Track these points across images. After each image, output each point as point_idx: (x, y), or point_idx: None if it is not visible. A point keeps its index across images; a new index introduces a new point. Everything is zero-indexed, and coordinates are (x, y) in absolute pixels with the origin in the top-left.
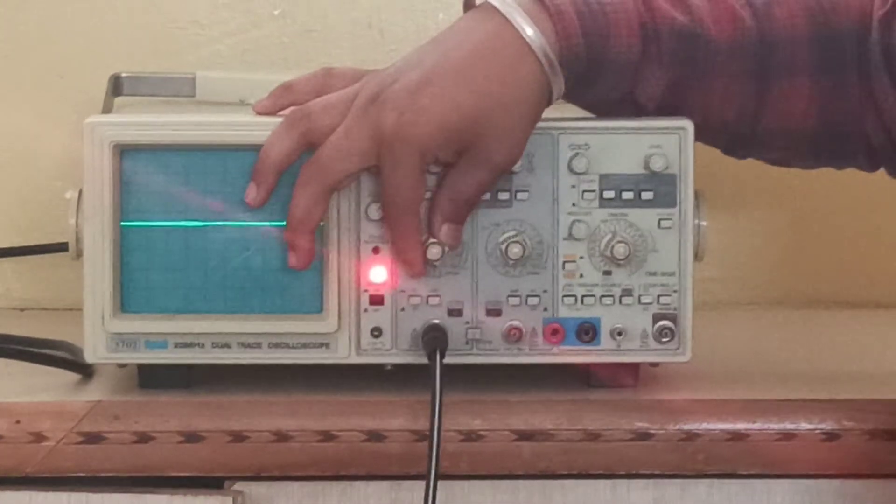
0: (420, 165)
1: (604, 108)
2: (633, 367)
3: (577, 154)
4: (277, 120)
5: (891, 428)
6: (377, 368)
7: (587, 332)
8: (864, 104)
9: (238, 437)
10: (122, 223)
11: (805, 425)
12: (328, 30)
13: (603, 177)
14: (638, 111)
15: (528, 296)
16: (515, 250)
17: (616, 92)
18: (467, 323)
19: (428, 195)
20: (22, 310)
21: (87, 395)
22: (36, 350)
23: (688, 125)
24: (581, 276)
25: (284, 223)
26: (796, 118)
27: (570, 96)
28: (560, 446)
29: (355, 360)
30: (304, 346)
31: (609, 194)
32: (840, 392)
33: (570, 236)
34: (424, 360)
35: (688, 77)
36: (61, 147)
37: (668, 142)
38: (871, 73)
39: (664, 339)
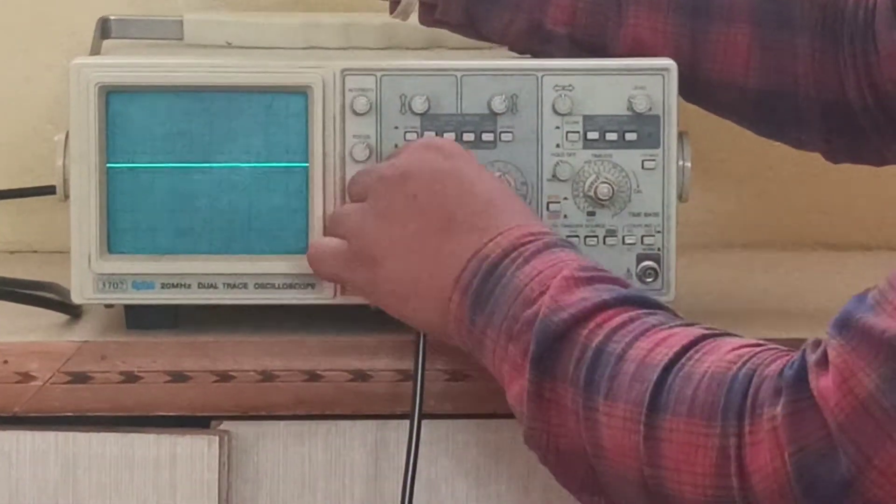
0: None
1: (515, 40)
2: None
3: (560, 95)
4: (265, 63)
5: None
6: (362, 309)
7: None
8: (844, 68)
9: (224, 377)
10: (109, 165)
11: None
12: None
13: (587, 118)
14: (552, 44)
15: None
16: None
17: (523, 18)
18: None
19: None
20: (11, 252)
21: (75, 335)
22: (24, 291)
23: (671, 66)
24: (565, 216)
25: (273, 164)
26: (737, 70)
27: (478, 24)
28: None
29: (340, 300)
30: (290, 286)
31: (593, 135)
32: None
33: (554, 177)
34: None
35: (606, 4)
36: (51, 90)
37: (652, 83)
38: (854, 35)
39: (648, 280)
